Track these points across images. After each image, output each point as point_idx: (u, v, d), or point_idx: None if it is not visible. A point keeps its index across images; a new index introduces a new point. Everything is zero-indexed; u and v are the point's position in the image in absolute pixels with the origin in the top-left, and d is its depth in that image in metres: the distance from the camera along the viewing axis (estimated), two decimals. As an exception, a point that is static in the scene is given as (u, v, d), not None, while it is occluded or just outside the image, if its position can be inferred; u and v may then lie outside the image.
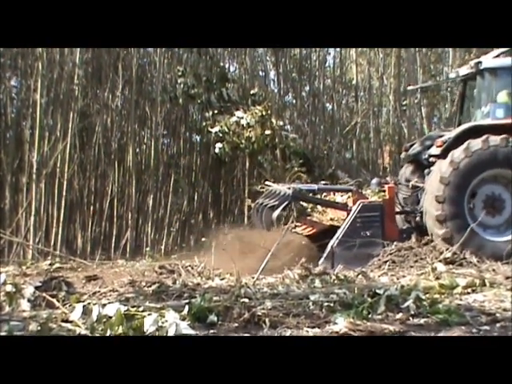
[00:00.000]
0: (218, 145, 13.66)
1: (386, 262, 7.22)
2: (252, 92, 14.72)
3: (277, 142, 13.87)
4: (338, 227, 8.22)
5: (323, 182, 11.24)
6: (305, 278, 5.97)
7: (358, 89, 18.38)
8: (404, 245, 7.59)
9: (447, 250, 7.16)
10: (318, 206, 9.87)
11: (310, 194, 9.18)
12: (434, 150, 8.24)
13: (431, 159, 8.41)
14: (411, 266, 6.87)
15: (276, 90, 16.59)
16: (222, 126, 13.58)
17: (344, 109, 18.17)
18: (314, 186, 9.27)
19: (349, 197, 9.15)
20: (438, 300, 4.60)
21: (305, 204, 10.00)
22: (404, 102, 17.53)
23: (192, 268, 7.20)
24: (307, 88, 17.45)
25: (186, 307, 4.06)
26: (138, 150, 15.04)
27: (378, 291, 4.51)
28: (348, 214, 8.20)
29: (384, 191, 8.64)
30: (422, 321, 4.10)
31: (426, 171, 8.53)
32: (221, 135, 13.65)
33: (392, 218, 8.31)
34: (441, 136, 8.51)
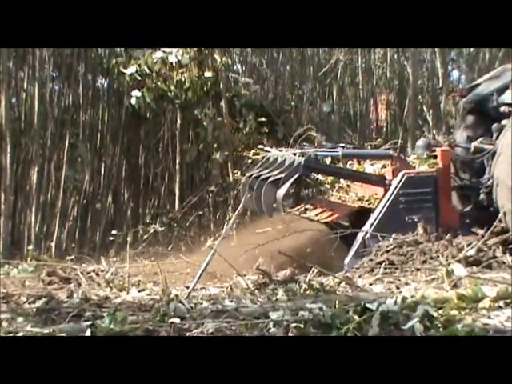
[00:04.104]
0: (135, 93, 13.55)
1: (380, 263, 7.22)
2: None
3: (222, 90, 13.88)
4: (372, 210, 8.29)
5: (350, 146, 11.09)
6: (263, 287, 5.98)
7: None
8: (407, 238, 7.65)
9: (469, 245, 7.24)
10: (341, 180, 9.77)
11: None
12: (509, 97, 8.30)
13: (503, 109, 8.47)
14: (417, 269, 6.88)
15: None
16: (140, 66, 13.46)
17: (320, 40, 18.20)
18: (337, 152, 9.13)
19: (384, 166, 9.18)
20: (455, 318, 4.63)
21: (321, 177, 9.92)
22: (407, 31, 17.65)
23: (97, 274, 7.16)
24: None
25: (88, 331, 4.05)
26: (13, 100, 14.79)
27: (369, 306, 4.52)
28: (386, 191, 8.27)
29: (435, 157, 8.66)
30: (433, 347, 4.16)
31: (495, 126, 8.57)
32: (139, 79, 13.58)
33: (449, 196, 8.40)
34: None
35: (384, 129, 17.65)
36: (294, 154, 8.41)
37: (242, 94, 14.21)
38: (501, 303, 5.07)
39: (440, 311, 4.68)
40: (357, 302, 4.68)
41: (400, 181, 8.07)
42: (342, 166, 9.44)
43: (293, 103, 15.80)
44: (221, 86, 13.89)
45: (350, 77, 17.95)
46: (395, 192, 8.01)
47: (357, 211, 8.79)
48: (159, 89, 13.62)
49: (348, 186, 9.67)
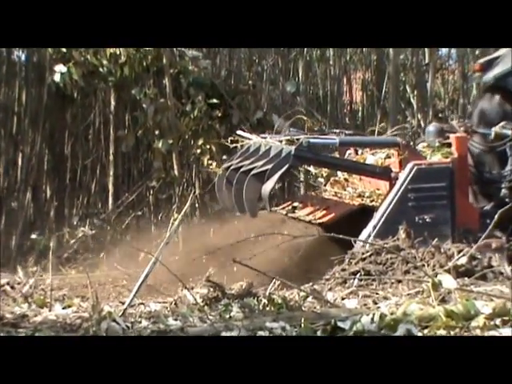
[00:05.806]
0: (60, 68, 13.45)
1: (354, 273, 7.28)
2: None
3: (165, 65, 13.84)
4: (375, 208, 8.34)
5: (348, 132, 10.94)
6: (214, 302, 5.98)
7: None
8: (386, 244, 7.67)
9: (460, 252, 7.29)
10: (339, 172, 9.71)
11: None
12: None
13: None
14: (398, 281, 6.94)
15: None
16: (65, 35, 13.36)
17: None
18: (334, 139, 9.12)
19: (388, 156, 9.20)
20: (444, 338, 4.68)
21: (313, 169, 9.86)
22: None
23: (12, 288, 7.13)
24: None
25: (3, 357, 4.01)
26: None
27: (340, 324, 4.56)
28: (391, 186, 8.30)
29: (450, 145, 8.72)
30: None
31: None
32: (64, 51, 13.48)
33: (466, 192, 8.49)
34: None
35: (359, 113, 17.69)
36: (280, 142, 8.37)
37: (189, 71, 14.10)
38: (497, 321, 5.06)
39: (425, 331, 4.71)
40: (326, 320, 4.72)
41: (409, 173, 8.12)
42: (338, 155, 9.45)
43: (250, 82, 15.73)
44: (163, 60, 13.81)
45: (318, 51, 17.94)
46: (403, 187, 8.05)
47: (356, 210, 8.81)
48: (89, 63, 13.50)
49: (346, 179, 9.67)
